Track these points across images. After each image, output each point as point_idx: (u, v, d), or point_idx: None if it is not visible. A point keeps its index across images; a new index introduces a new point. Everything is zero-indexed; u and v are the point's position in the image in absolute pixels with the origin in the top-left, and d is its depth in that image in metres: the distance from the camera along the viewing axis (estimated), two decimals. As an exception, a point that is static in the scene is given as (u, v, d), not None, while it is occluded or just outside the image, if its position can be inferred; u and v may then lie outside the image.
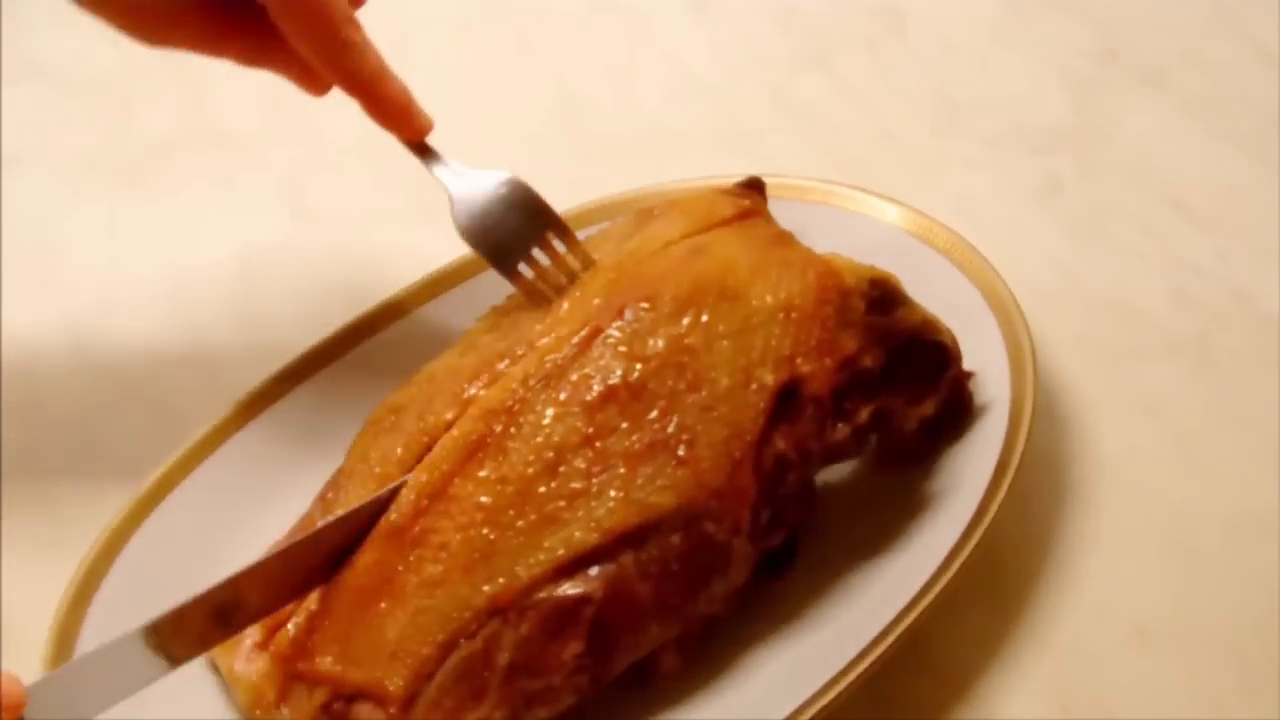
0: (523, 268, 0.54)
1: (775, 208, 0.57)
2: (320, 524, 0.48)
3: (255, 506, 0.55)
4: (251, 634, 0.48)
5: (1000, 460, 0.50)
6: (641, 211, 0.57)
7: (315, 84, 0.58)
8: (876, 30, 0.77)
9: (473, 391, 0.49)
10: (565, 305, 0.51)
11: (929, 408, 0.51)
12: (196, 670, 0.49)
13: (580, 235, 0.55)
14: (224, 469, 0.56)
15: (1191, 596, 0.52)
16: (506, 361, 0.50)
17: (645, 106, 0.76)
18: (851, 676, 0.45)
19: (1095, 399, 0.59)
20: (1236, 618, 0.51)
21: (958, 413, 0.53)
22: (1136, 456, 0.57)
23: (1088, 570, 0.53)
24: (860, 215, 0.60)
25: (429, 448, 0.49)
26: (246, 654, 0.48)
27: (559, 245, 0.54)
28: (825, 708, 0.44)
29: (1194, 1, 0.76)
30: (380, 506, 0.48)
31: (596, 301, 0.50)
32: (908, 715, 0.49)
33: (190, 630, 0.44)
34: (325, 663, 0.46)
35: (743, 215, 0.54)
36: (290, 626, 0.48)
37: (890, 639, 0.45)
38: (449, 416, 0.49)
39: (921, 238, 0.58)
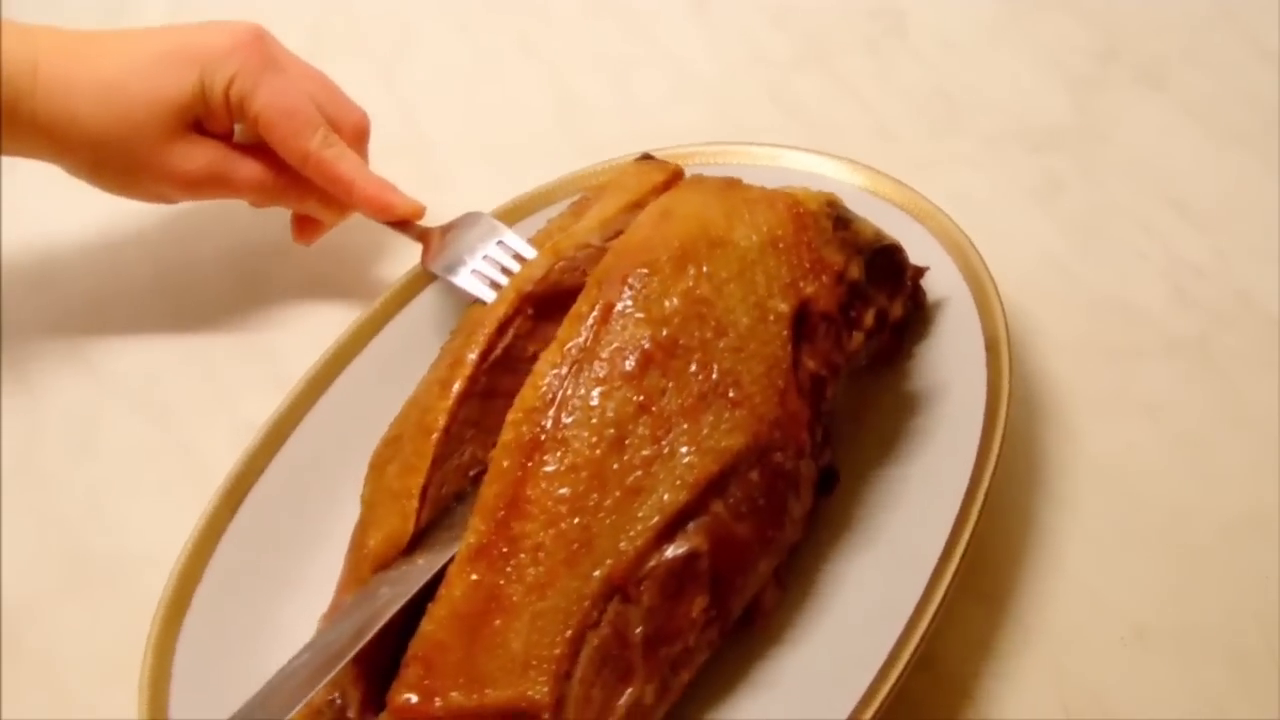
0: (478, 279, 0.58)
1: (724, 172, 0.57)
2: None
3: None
4: (338, 700, 0.47)
5: (985, 428, 0.51)
6: (575, 202, 0.58)
7: (331, 208, 0.63)
8: (876, 30, 0.77)
9: (455, 387, 0.50)
10: (509, 287, 0.53)
11: (899, 308, 0.54)
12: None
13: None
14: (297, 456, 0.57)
15: (1190, 596, 0.52)
16: (473, 350, 0.51)
17: (645, 106, 0.75)
18: (944, 583, 0.47)
19: (1095, 399, 0.59)
20: (1235, 617, 0.52)
21: (917, 309, 0.56)
22: (1135, 456, 0.57)
23: (1086, 570, 0.53)
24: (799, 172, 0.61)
25: (435, 445, 0.49)
26: None
27: (507, 257, 0.58)
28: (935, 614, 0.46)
29: (1194, 1, 0.75)
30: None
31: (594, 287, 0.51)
32: (908, 715, 0.49)
33: None
34: (456, 697, 0.45)
35: (674, 176, 0.56)
36: (403, 680, 0.46)
37: (962, 545, 0.47)
38: (442, 405, 0.50)
39: (874, 192, 0.59)
